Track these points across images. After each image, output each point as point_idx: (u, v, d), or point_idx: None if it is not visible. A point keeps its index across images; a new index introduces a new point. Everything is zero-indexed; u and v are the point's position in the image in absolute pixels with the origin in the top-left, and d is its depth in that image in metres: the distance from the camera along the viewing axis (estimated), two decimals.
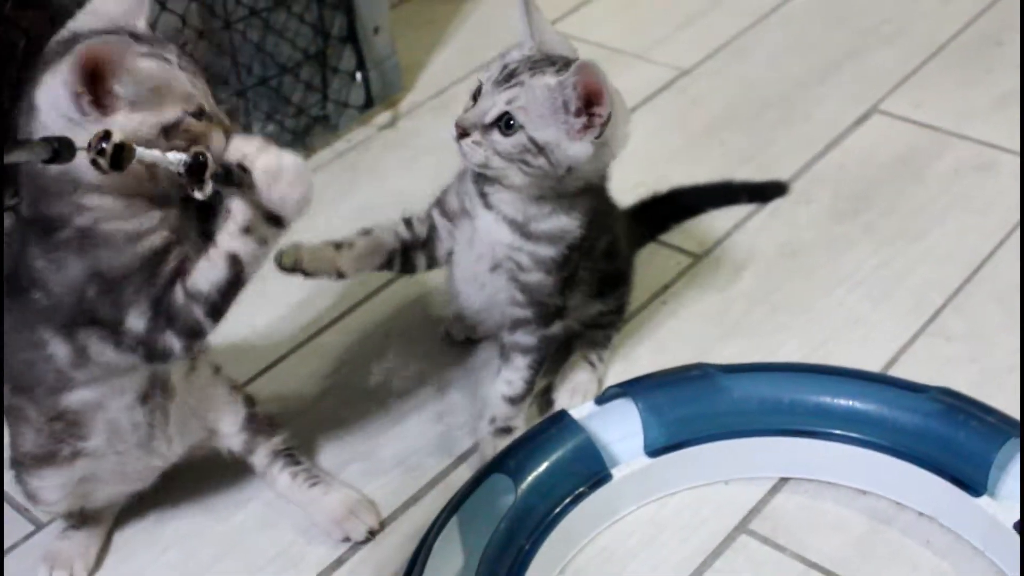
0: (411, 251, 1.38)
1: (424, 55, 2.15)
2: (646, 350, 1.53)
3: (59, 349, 1.14)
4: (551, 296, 1.33)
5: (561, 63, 1.22)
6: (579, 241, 1.30)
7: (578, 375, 1.48)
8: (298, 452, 1.36)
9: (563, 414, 1.32)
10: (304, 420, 1.46)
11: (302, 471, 1.34)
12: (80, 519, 1.32)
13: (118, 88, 1.03)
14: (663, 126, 1.95)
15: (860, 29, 2.14)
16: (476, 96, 1.25)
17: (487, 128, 1.22)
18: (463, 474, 1.38)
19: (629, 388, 1.34)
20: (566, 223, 1.28)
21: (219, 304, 1.13)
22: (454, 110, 1.97)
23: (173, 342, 1.14)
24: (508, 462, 1.27)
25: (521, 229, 1.28)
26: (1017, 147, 1.82)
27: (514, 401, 1.38)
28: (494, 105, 1.21)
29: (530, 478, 1.26)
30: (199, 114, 1.10)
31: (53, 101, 1.04)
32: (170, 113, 1.07)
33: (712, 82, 2.05)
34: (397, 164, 1.91)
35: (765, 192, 1.78)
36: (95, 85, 1.02)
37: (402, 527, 1.34)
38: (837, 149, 1.87)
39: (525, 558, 1.22)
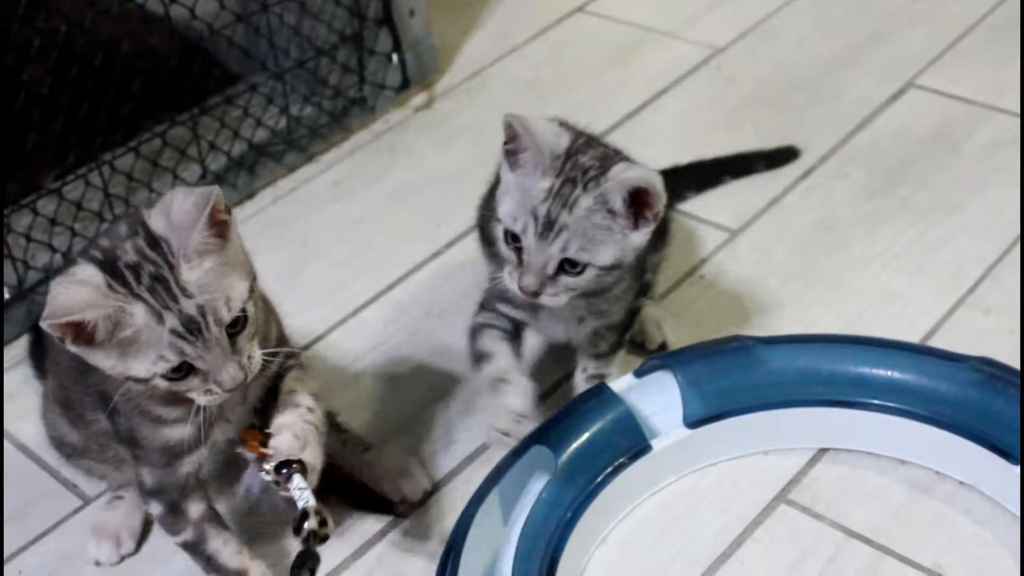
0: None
1: (459, 37, 2.16)
2: (683, 324, 1.53)
3: None
4: (637, 299, 1.37)
5: (579, 173, 1.18)
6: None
7: (646, 310, 1.49)
8: (343, 421, 1.38)
9: (602, 387, 1.33)
10: (345, 395, 1.48)
11: (350, 438, 1.36)
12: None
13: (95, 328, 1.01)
14: (696, 105, 1.96)
15: (890, 9, 2.13)
16: (512, 243, 1.21)
17: (553, 277, 1.20)
18: (502, 448, 1.39)
19: (668, 360, 1.35)
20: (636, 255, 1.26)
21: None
22: (490, 91, 2.02)
23: (159, 512, 1.21)
24: (548, 434, 1.28)
25: (597, 293, 1.28)
26: None
27: (601, 355, 1.39)
28: (549, 258, 1.19)
29: (570, 450, 1.27)
30: (184, 370, 1.04)
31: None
32: (138, 367, 1.03)
33: (745, 60, 2.05)
34: (433, 145, 1.93)
35: (778, 158, 1.79)
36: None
37: (443, 500, 1.36)
38: (871, 125, 1.87)
39: (566, 528, 1.23)
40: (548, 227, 1.18)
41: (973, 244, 1.63)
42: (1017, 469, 1.23)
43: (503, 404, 1.24)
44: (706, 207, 1.72)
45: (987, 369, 1.30)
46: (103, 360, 1.03)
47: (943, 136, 1.83)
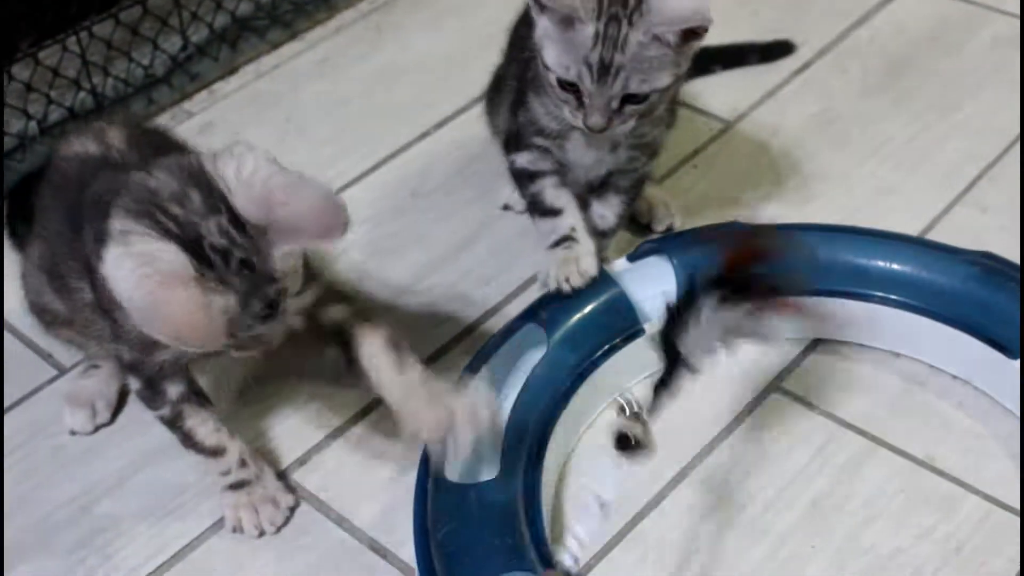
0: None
1: None
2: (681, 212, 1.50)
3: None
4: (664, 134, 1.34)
5: (619, 8, 1.14)
6: None
7: (651, 191, 1.48)
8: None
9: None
10: (329, 274, 1.45)
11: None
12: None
13: None
14: None
15: None
16: (569, 89, 1.18)
17: (618, 110, 1.18)
18: (491, 327, 1.36)
19: (664, 244, 1.32)
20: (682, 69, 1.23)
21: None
22: None
23: (136, 387, 1.16)
24: (540, 313, 1.26)
25: (649, 112, 1.23)
26: None
27: (606, 234, 1.36)
28: (612, 98, 1.17)
29: (562, 330, 1.25)
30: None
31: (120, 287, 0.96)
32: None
33: None
34: (422, 26, 1.87)
35: (773, 52, 1.75)
36: None
37: None
38: (871, 22, 1.83)
39: (556, 409, 1.21)
40: (604, 71, 1.15)
41: (971, 143, 1.60)
42: (1014, 363, 1.22)
43: (578, 264, 1.27)
44: (700, 97, 1.68)
45: (986, 262, 1.28)
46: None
47: (943, 35, 1.79)
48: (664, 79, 1.17)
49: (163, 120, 1.71)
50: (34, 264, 1.24)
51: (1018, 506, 1.17)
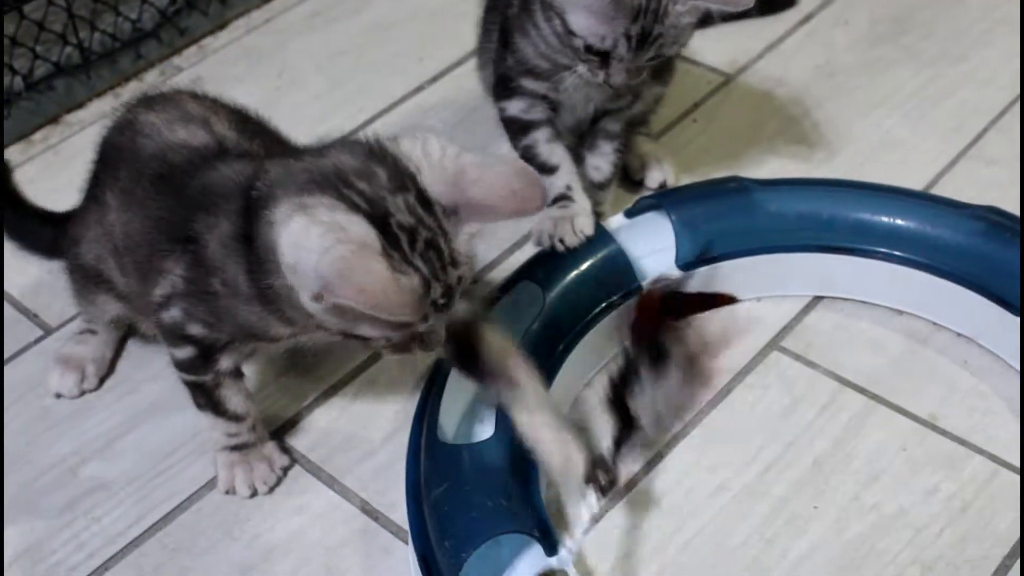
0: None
1: None
2: (676, 166, 1.47)
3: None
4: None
5: None
6: None
7: (645, 147, 1.46)
8: None
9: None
10: None
11: None
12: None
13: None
14: None
15: None
16: (599, 53, 1.16)
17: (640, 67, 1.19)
18: (487, 284, 1.34)
19: (663, 200, 1.30)
20: None
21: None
22: None
23: (188, 355, 1.10)
24: (537, 271, 1.24)
25: None
26: None
27: (603, 186, 1.35)
28: (642, 62, 1.17)
29: (558, 287, 1.23)
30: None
31: (300, 277, 0.92)
32: (372, 331, 0.95)
33: None
34: None
35: (774, 4, 1.72)
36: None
37: None
38: None
39: (552, 368, 1.18)
40: (643, 40, 1.14)
41: (977, 95, 1.57)
42: (1019, 320, 1.19)
43: (574, 223, 1.25)
44: (700, 50, 1.64)
45: (992, 217, 1.26)
46: (326, 317, 0.94)
47: None
48: (686, 38, 1.19)
49: (152, 76, 1.68)
50: (97, 236, 1.18)
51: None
